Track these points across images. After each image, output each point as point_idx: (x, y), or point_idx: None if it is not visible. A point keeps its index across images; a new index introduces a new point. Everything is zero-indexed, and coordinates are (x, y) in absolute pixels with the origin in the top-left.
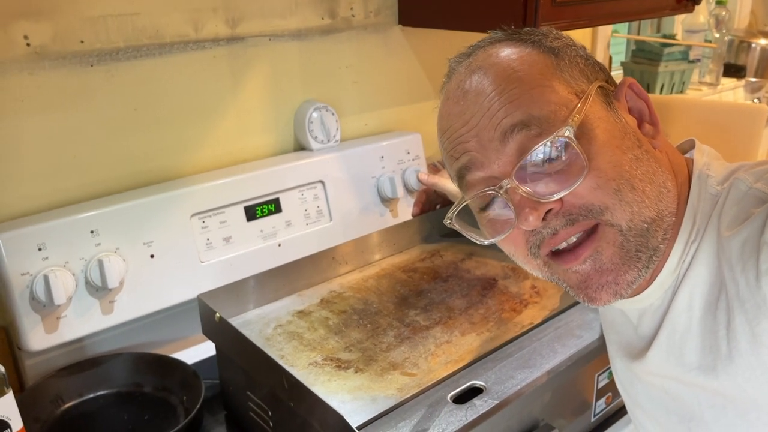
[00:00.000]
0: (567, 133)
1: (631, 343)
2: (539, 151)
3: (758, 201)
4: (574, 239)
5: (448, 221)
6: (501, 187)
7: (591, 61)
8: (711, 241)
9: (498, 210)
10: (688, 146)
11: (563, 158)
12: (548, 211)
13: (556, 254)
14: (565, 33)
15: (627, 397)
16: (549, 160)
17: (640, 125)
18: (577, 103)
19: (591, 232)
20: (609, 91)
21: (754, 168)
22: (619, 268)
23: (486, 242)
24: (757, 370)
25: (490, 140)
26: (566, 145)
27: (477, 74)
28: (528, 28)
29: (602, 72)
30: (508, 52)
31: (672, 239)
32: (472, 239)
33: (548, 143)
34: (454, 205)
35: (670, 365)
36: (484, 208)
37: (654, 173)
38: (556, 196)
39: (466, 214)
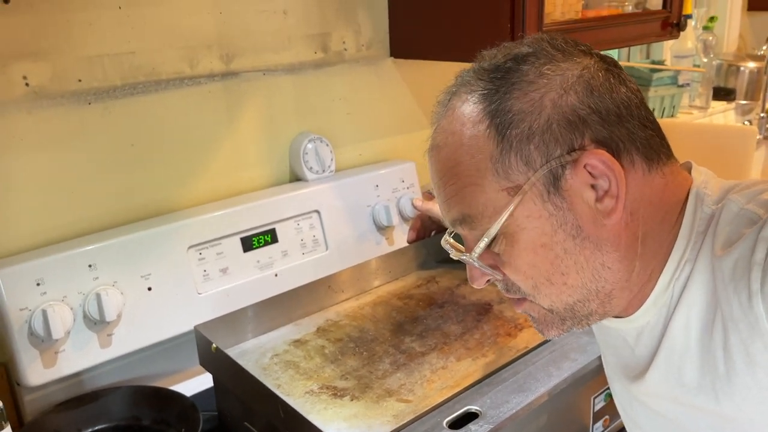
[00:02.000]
0: (484, 242)
1: (629, 365)
2: (471, 245)
3: (749, 222)
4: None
5: (448, 247)
6: (457, 255)
7: (557, 124)
8: (706, 260)
9: None
10: (686, 168)
11: (486, 259)
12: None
13: None
14: (561, 66)
15: (626, 418)
16: (481, 254)
17: (600, 198)
18: (506, 204)
19: (523, 299)
20: (560, 171)
21: (747, 189)
22: (552, 323)
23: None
24: (753, 389)
25: (446, 218)
26: (486, 250)
27: (430, 155)
28: (512, 61)
29: (567, 136)
30: (458, 129)
31: (664, 257)
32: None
33: (475, 246)
34: (444, 241)
35: (669, 386)
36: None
37: (586, 260)
38: (490, 280)
39: None
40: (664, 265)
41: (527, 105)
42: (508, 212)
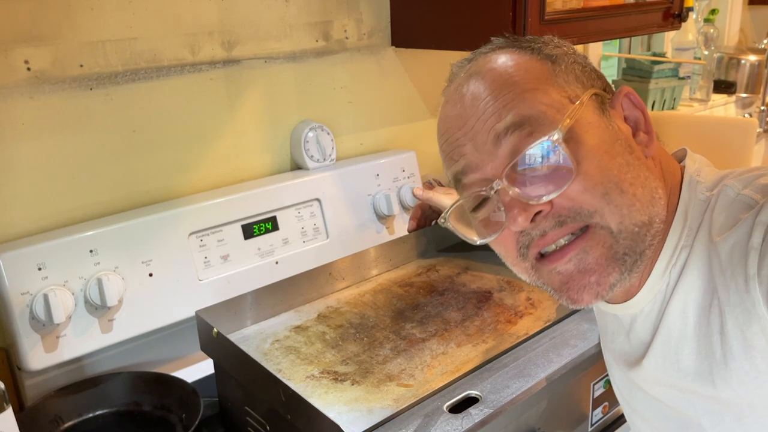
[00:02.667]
0: (555, 137)
1: (625, 351)
2: (528, 154)
3: (746, 207)
4: (563, 242)
5: (443, 221)
6: (492, 188)
7: (589, 69)
8: (702, 246)
9: (490, 211)
10: (681, 155)
11: (552, 161)
12: (538, 213)
13: (544, 256)
14: (566, 42)
15: (625, 404)
16: (538, 162)
17: (634, 134)
18: (570, 107)
19: (581, 233)
20: (605, 99)
21: (742, 175)
22: (603, 269)
23: (478, 242)
24: (750, 373)
25: (483, 143)
26: (554, 149)
27: (474, 79)
28: (530, 36)
29: (600, 80)
30: (505, 59)
31: (660, 244)
32: (464, 239)
33: (536, 146)
34: (450, 205)
35: (666, 372)
36: (477, 208)
37: (646, 179)
38: (545, 199)
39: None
40: (661, 250)
41: (565, 51)
42: (575, 112)
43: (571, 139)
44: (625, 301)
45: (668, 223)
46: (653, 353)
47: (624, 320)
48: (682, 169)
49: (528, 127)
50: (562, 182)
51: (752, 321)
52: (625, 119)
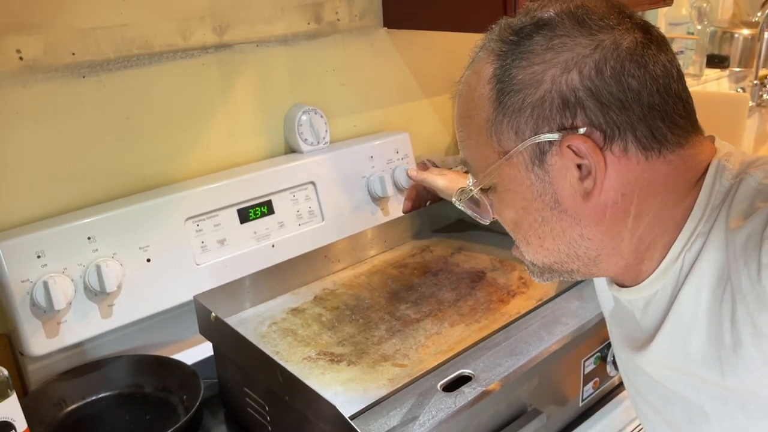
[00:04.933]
0: (473, 190)
1: (634, 335)
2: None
3: (766, 196)
4: None
5: (457, 201)
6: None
7: (551, 102)
8: (719, 233)
9: None
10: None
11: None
12: None
13: None
14: (575, 41)
15: (630, 387)
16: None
17: (584, 177)
18: (493, 164)
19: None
20: (546, 147)
21: (766, 164)
22: (531, 272)
23: (487, 222)
24: (757, 361)
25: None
26: (480, 192)
27: (456, 97)
28: (535, 24)
29: (559, 115)
30: (473, 83)
31: (675, 228)
32: (475, 219)
33: (468, 187)
34: (464, 191)
35: (674, 356)
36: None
37: (563, 231)
38: (486, 219)
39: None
40: (675, 235)
41: (528, 77)
42: (495, 172)
43: (493, 189)
44: (637, 284)
45: (685, 208)
46: (661, 337)
47: (637, 304)
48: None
49: (469, 169)
50: (490, 215)
51: (763, 309)
52: (578, 166)
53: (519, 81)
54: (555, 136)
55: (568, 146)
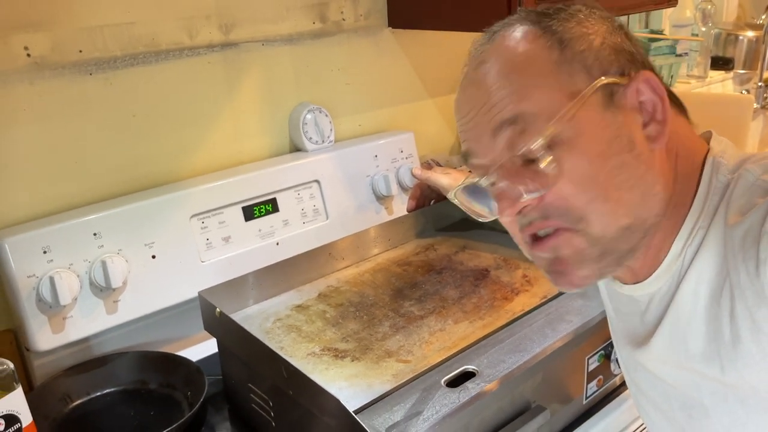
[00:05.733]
0: (541, 142)
1: (636, 332)
2: (517, 152)
3: (764, 192)
4: (551, 230)
5: (452, 196)
6: (487, 179)
7: (607, 50)
8: (718, 229)
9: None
10: (707, 137)
11: (539, 161)
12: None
13: (538, 238)
14: (597, 11)
15: (631, 383)
16: (527, 161)
17: (646, 124)
18: (565, 107)
19: (555, 232)
20: (615, 89)
21: (763, 160)
22: (573, 267)
23: (486, 220)
24: (756, 357)
25: (484, 133)
26: (541, 152)
27: (483, 66)
28: (557, 6)
29: (618, 63)
30: (513, 44)
31: (676, 224)
32: (471, 215)
33: (524, 147)
34: (459, 184)
35: (674, 352)
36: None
37: (640, 178)
38: (526, 198)
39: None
40: (678, 230)
41: (584, 30)
42: (570, 114)
43: (560, 142)
44: (641, 281)
45: (688, 202)
46: (662, 333)
47: (641, 300)
48: (708, 150)
49: (522, 124)
50: (546, 184)
51: (762, 305)
52: (641, 105)
53: (576, 32)
54: (622, 78)
55: (636, 89)
